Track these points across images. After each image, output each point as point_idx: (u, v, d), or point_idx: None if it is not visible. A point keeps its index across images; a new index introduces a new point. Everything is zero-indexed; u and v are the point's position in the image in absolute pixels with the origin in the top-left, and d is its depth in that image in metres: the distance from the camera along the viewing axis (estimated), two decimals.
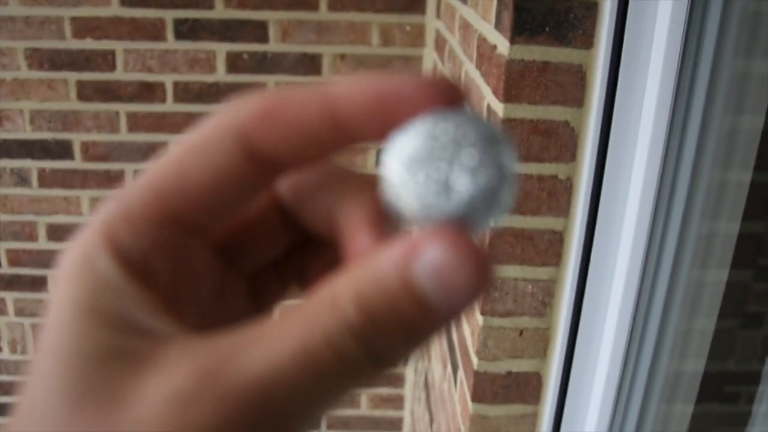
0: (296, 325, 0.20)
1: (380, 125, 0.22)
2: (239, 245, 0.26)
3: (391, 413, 2.55)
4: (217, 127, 0.23)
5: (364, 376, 0.20)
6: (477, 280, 0.19)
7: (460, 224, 0.21)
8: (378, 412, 2.55)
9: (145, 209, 0.22)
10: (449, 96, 0.22)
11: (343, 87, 0.22)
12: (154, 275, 0.22)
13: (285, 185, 0.26)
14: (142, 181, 0.23)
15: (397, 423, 2.57)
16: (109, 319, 0.21)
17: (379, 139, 0.22)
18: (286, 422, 0.20)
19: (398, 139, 0.22)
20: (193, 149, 0.23)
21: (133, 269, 0.22)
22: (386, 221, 0.24)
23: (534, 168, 1.02)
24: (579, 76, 0.98)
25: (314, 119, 0.22)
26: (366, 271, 0.20)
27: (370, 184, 0.25)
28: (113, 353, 0.20)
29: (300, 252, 0.28)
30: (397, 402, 2.54)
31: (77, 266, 0.22)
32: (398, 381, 2.50)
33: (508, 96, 0.98)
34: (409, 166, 0.21)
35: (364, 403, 2.54)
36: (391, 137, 0.22)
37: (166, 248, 0.22)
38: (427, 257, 0.19)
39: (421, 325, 0.20)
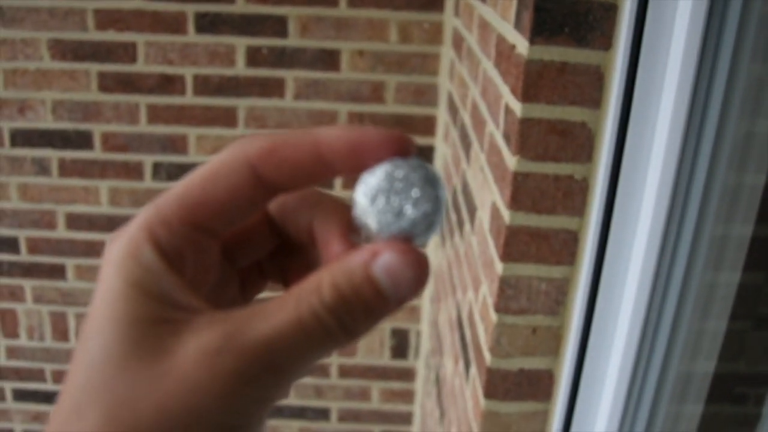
0: (292, 302, 0.28)
1: (354, 164, 0.31)
2: (238, 247, 0.34)
3: (401, 407, 2.57)
4: (233, 156, 0.31)
5: (338, 342, 0.29)
6: (417, 278, 0.28)
7: (406, 239, 0.30)
8: (388, 406, 2.57)
9: (177, 215, 0.30)
10: (404, 147, 0.31)
11: (328, 134, 0.31)
12: (183, 265, 0.30)
13: (275, 203, 0.35)
14: (174, 194, 0.30)
15: (407, 417, 2.58)
16: (153, 294, 0.28)
17: (352, 173, 0.31)
18: (284, 372, 0.28)
19: (366, 177, 0.31)
20: (214, 172, 0.31)
21: (169, 259, 0.29)
22: (352, 234, 0.32)
23: (550, 168, 1.03)
24: (597, 77, 0.98)
25: (305, 157, 0.31)
26: (341, 267, 0.29)
27: (341, 205, 0.33)
28: (157, 320, 0.27)
29: (280, 255, 0.37)
30: (408, 396, 2.55)
31: (126, 253, 0.29)
32: (409, 376, 2.51)
33: (527, 96, 0.99)
34: (373, 197, 0.30)
35: (375, 397, 2.55)
36: (361, 175, 0.31)
37: (191, 246, 0.30)
38: (383, 260, 0.28)
39: (378, 307, 0.29)
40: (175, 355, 0.27)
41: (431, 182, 0.30)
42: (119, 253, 0.29)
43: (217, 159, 0.31)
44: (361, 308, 0.28)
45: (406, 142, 0.31)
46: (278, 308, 0.28)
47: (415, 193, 0.30)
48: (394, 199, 0.30)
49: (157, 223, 0.29)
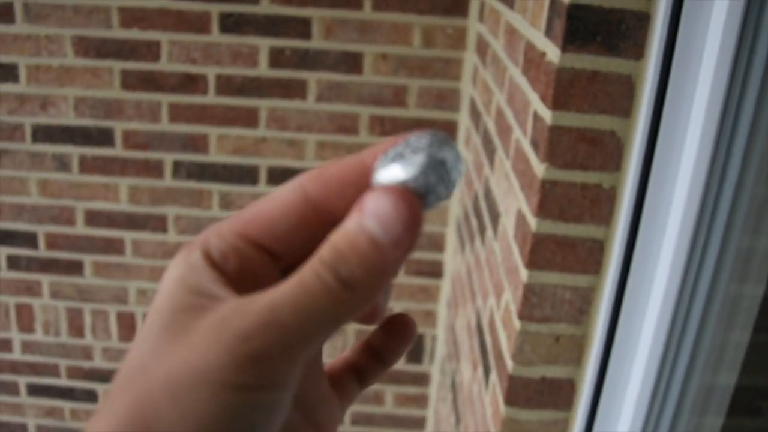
0: (296, 274, 0.29)
1: None
2: (282, 255, 0.34)
3: (414, 412, 2.56)
4: (290, 182, 0.34)
5: (340, 299, 0.29)
6: (404, 215, 0.29)
7: (412, 190, 0.30)
8: (402, 411, 2.56)
9: (229, 227, 0.33)
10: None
11: (371, 149, 0.33)
12: (226, 266, 0.32)
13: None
14: (238, 212, 0.34)
15: (420, 422, 2.58)
16: (190, 287, 0.31)
17: None
18: (288, 329, 0.28)
19: (389, 150, 0.32)
20: (272, 194, 0.34)
21: (212, 260, 0.32)
22: None
23: (578, 176, 1.02)
24: (628, 87, 0.98)
25: (350, 172, 0.33)
26: (339, 229, 0.30)
27: None
28: (189, 307, 0.31)
29: None
30: (422, 401, 2.55)
31: (181, 256, 0.33)
32: (423, 380, 2.51)
33: (557, 104, 0.99)
34: (388, 157, 0.31)
35: (389, 401, 2.55)
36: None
37: (236, 251, 0.33)
38: (369, 205, 0.29)
39: (373, 255, 0.29)
40: (191, 330, 0.29)
41: (433, 138, 0.31)
42: (178, 256, 0.33)
43: (281, 188, 0.34)
44: (357, 260, 0.29)
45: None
46: (285, 281, 0.30)
47: (415, 145, 0.31)
48: (402, 154, 0.31)
49: (213, 233, 0.33)
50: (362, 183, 0.32)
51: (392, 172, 0.30)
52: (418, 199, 0.30)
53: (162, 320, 0.30)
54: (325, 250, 0.29)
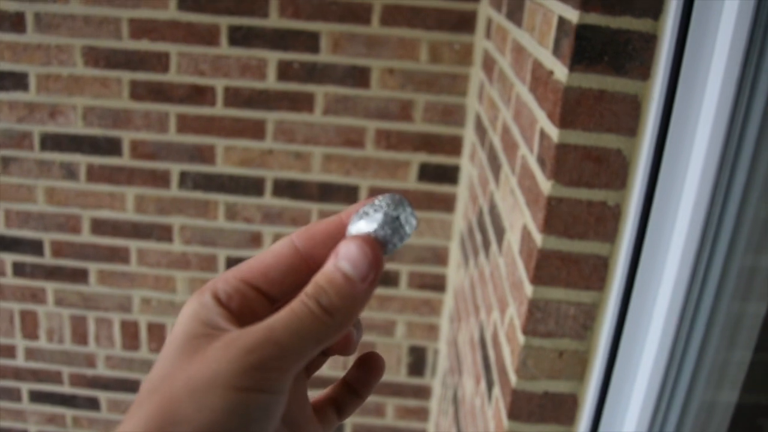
0: (288, 305, 0.38)
1: None
2: (276, 296, 0.43)
3: (415, 425, 2.57)
4: (283, 239, 0.43)
5: (324, 322, 0.38)
6: (368, 259, 0.39)
7: (374, 239, 0.40)
8: (402, 423, 2.57)
9: (233, 274, 0.41)
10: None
11: (350, 208, 0.43)
12: (231, 304, 0.40)
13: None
14: (240, 264, 0.42)
15: None
16: (203, 321, 0.39)
17: None
18: (281, 345, 0.36)
19: (359, 210, 0.42)
20: (268, 248, 0.43)
21: (219, 300, 0.40)
22: None
23: (584, 193, 1.04)
24: (634, 106, 0.99)
25: (332, 227, 0.43)
26: (319, 272, 0.40)
27: None
28: (201, 335, 0.38)
29: None
30: (422, 414, 2.55)
31: (194, 297, 0.40)
32: (425, 393, 2.51)
33: (564, 122, 1.00)
34: (357, 218, 0.41)
35: (390, 413, 2.55)
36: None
37: (238, 293, 0.41)
38: (342, 250, 0.39)
39: (347, 287, 0.39)
40: (204, 351, 0.37)
41: (392, 199, 0.41)
42: (192, 297, 0.41)
43: (274, 244, 0.43)
44: (334, 291, 0.38)
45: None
46: (279, 311, 0.38)
47: (378, 205, 0.41)
48: (367, 212, 0.41)
49: (220, 280, 0.41)
50: (341, 236, 0.42)
51: (359, 227, 0.41)
52: (379, 246, 0.40)
53: (179, 344, 0.38)
54: (309, 286, 0.39)
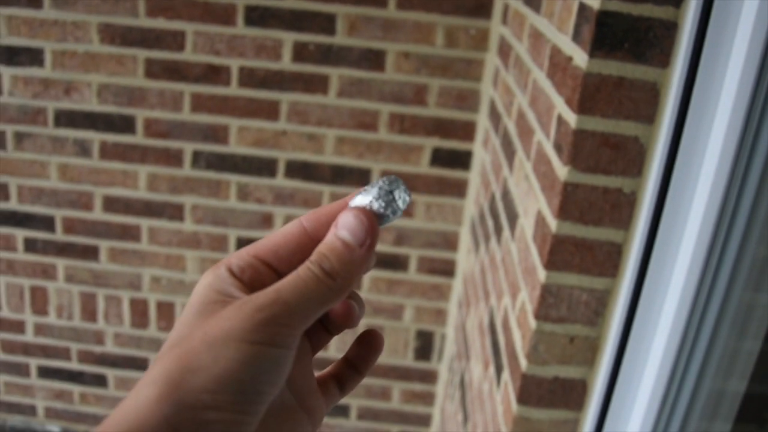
0: (294, 271, 0.43)
1: None
2: (284, 272, 0.46)
3: (420, 409, 2.58)
4: (294, 220, 0.47)
5: (327, 285, 0.42)
6: (365, 225, 0.44)
7: (369, 210, 0.45)
8: (408, 407, 2.58)
9: (247, 251, 0.45)
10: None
11: (351, 196, 0.46)
12: (243, 276, 0.44)
13: None
14: (253, 243, 0.46)
15: (426, 419, 2.59)
16: (217, 290, 0.43)
17: None
18: (288, 306, 0.40)
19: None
20: (280, 229, 0.47)
21: (234, 274, 0.44)
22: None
23: (600, 180, 1.04)
24: (653, 94, 0.99)
25: (338, 209, 0.46)
26: (322, 241, 0.45)
27: None
28: (216, 301, 0.42)
29: None
30: (428, 398, 2.56)
31: (208, 274, 0.44)
32: (431, 378, 2.52)
33: (582, 108, 1.01)
34: (357, 194, 0.46)
35: (396, 397, 2.57)
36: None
37: (249, 267, 0.44)
38: (341, 220, 0.44)
39: (347, 253, 0.43)
40: (219, 312, 0.41)
41: (388, 179, 0.46)
42: (208, 271, 0.45)
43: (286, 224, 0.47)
44: (335, 257, 0.43)
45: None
46: (290, 274, 0.43)
47: (375, 183, 0.46)
48: (366, 189, 0.46)
49: (234, 255, 0.45)
50: None
51: (356, 201, 0.46)
52: (374, 215, 0.45)
53: (196, 310, 0.42)
54: (313, 255, 0.43)
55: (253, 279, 0.44)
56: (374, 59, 2.13)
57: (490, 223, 1.76)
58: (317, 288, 0.42)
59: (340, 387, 0.51)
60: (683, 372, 1.02)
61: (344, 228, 0.44)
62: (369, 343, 0.51)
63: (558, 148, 1.10)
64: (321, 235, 0.46)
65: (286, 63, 2.15)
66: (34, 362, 2.64)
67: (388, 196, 0.45)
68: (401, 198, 0.46)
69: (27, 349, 2.62)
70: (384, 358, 2.51)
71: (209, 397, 0.37)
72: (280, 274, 0.45)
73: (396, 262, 2.37)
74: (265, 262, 0.45)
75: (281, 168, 2.27)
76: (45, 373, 2.65)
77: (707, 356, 0.99)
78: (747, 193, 0.90)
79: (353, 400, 2.59)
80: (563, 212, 1.06)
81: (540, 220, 1.16)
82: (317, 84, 2.17)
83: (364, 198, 0.45)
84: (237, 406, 0.38)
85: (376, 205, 0.45)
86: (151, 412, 0.36)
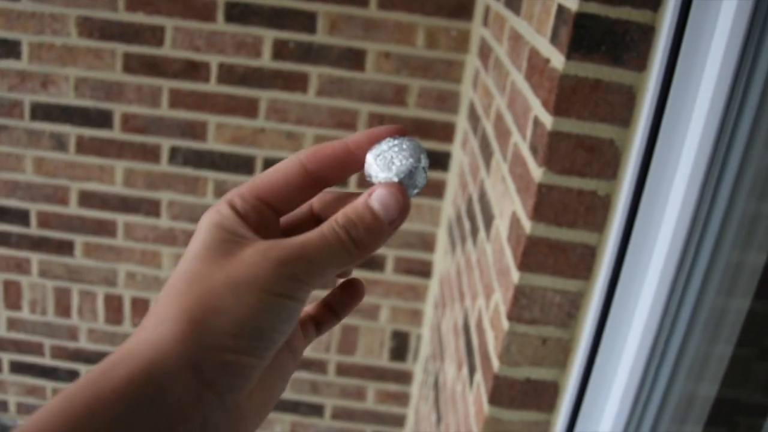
0: (319, 228, 0.43)
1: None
2: (283, 210, 0.47)
3: (395, 410, 2.58)
4: (291, 158, 0.46)
5: (350, 250, 0.43)
6: (399, 204, 0.44)
7: (397, 183, 0.44)
8: (383, 407, 2.58)
9: (247, 191, 0.45)
10: (402, 131, 0.47)
11: (354, 134, 0.47)
12: (248, 218, 0.44)
13: (318, 202, 0.50)
14: (251, 180, 0.46)
15: (400, 420, 2.59)
16: (227, 229, 0.43)
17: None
18: (311, 263, 0.42)
19: (373, 148, 0.46)
20: (277, 167, 0.46)
21: (239, 213, 0.44)
22: None
23: (575, 182, 1.04)
24: (629, 97, 1.00)
25: (337, 150, 0.46)
26: (350, 205, 0.44)
27: (353, 196, 0.47)
28: (228, 240, 0.42)
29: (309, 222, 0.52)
30: (403, 399, 2.56)
31: (213, 210, 0.44)
32: (406, 378, 2.52)
33: (558, 110, 1.01)
34: (376, 155, 0.46)
35: (370, 397, 2.56)
36: (373, 146, 0.46)
37: (254, 209, 0.45)
38: (376, 193, 0.44)
39: (375, 225, 0.43)
40: (240, 254, 0.41)
41: (416, 147, 0.46)
42: (209, 212, 0.44)
43: (281, 161, 0.46)
44: (362, 226, 0.43)
45: (404, 130, 0.48)
46: (309, 231, 0.43)
47: (405, 152, 0.45)
48: (391, 156, 0.45)
49: (235, 195, 0.45)
50: (346, 160, 0.47)
51: (388, 174, 0.45)
52: (405, 195, 0.44)
53: (210, 246, 0.42)
54: (340, 216, 0.43)
55: (257, 221, 0.45)
56: (354, 58, 2.13)
57: (466, 224, 1.76)
58: (340, 252, 0.43)
59: (317, 328, 0.52)
60: (655, 375, 1.02)
61: (378, 201, 0.44)
62: (352, 290, 0.52)
63: (534, 149, 1.10)
64: (322, 176, 0.46)
65: (266, 60, 2.15)
66: (6, 357, 2.61)
67: (416, 174, 0.45)
68: (425, 173, 0.46)
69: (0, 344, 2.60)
70: (359, 358, 2.51)
71: (230, 341, 0.39)
72: (278, 211, 0.46)
73: (372, 262, 2.37)
74: (267, 204, 0.45)
75: (259, 166, 2.27)
76: (18, 368, 2.62)
77: (679, 359, 1.00)
78: (721, 197, 0.91)
79: (328, 400, 2.59)
80: (537, 214, 1.06)
81: (515, 222, 1.17)
82: (297, 82, 2.16)
83: (396, 175, 0.45)
84: (254, 350, 0.40)
85: (406, 183, 0.45)
86: (173, 350, 0.38)
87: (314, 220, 0.50)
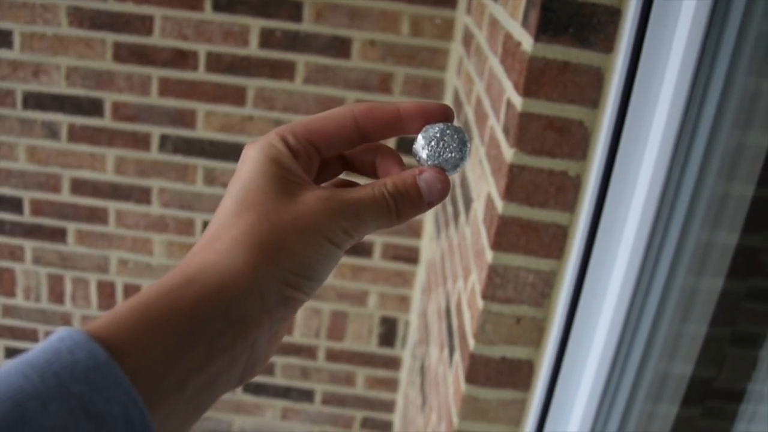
0: (370, 187, 0.47)
1: (418, 123, 0.49)
2: (326, 154, 0.50)
3: (384, 395, 2.60)
4: (345, 109, 0.48)
5: (391, 216, 0.47)
6: (442, 189, 0.48)
7: (441, 167, 0.49)
8: (372, 393, 2.60)
9: (300, 132, 0.47)
10: (450, 114, 0.50)
11: (407, 102, 0.49)
12: (299, 159, 0.47)
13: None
14: (302, 120, 0.48)
15: (390, 405, 2.61)
16: (283, 166, 0.45)
17: (415, 132, 0.50)
18: (360, 220, 0.45)
19: (428, 127, 0.49)
20: (331, 114, 0.48)
21: (292, 151, 0.46)
22: (403, 165, 0.51)
23: (545, 163, 1.06)
24: (596, 78, 1.02)
25: (390, 115, 0.49)
26: (400, 175, 0.48)
27: (394, 151, 0.51)
28: (287, 179, 0.45)
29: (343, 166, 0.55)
30: (392, 385, 2.58)
31: (266, 143, 0.46)
32: (395, 364, 2.54)
33: (528, 91, 1.03)
34: (429, 139, 0.49)
35: (360, 383, 2.59)
36: (426, 126, 0.49)
37: (304, 151, 0.47)
38: (425, 175, 0.48)
39: (417, 201, 0.48)
40: (302, 196, 0.45)
41: (464, 143, 0.49)
42: (261, 144, 0.46)
43: (335, 108, 0.49)
44: (407, 199, 0.47)
45: (451, 112, 0.51)
46: (363, 188, 0.47)
47: (453, 146, 0.49)
48: (441, 145, 0.49)
49: (288, 133, 0.47)
50: (394, 125, 0.49)
51: (435, 162, 0.49)
52: (449, 183, 0.49)
53: (270, 180, 0.45)
54: (390, 184, 0.47)
55: (305, 162, 0.47)
56: (340, 47, 2.15)
57: (449, 209, 1.78)
58: (384, 217, 0.47)
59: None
60: (627, 352, 1.03)
61: (425, 182, 0.48)
62: (380, 153, 0.53)
63: (506, 131, 1.12)
64: (369, 134, 0.49)
65: (253, 49, 2.16)
66: (1, 343, 2.64)
67: (460, 163, 0.49)
68: (463, 168, 0.51)
69: None
70: (348, 344, 2.53)
71: (294, 278, 0.43)
72: (321, 154, 0.49)
73: (360, 249, 2.39)
74: (315, 147, 0.48)
75: None
76: (12, 354, 2.64)
77: (651, 338, 1.01)
78: (689, 176, 0.92)
79: (318, 385, 2.61)
80: (509, 194, 1.08)
81: (489, 203, 1.19)
82: (284, 70, 2.18)
83: (444, 164, 0.49)
84: (308, 288, 0.45)
85: (451, 173, 0.49)
86: (246, 277, 0.41)
87: (342, 162, 0.53)
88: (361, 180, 0.51)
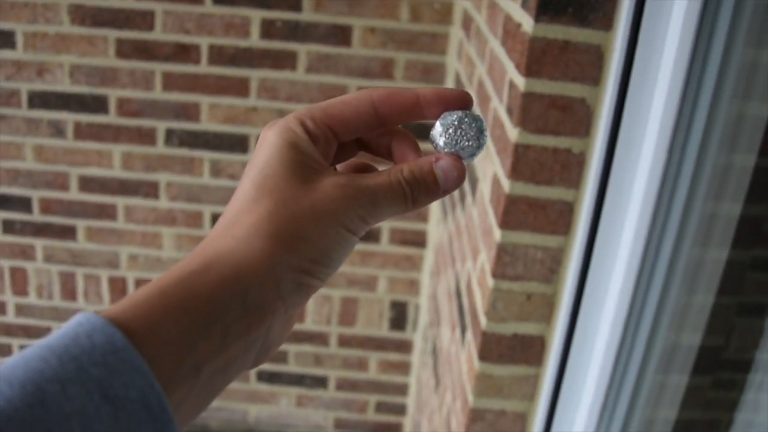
0: (386, 174, 0.47)
1: (436, 109, 0.49)
2: (343, 139, 0.49)
3: (397, 378, 2.62)
4: (364, 94, 0.48)
5: (407, 203, 0.47)
6: (458, 177, 0.48)
7: (457, 156, 0.48)
8: (385, 377, 2.62)
9: (319, 116, 0.47)
10: (469, 102, 0.49)
11: (425, 89, 0.49)
12: (317, 143, 0.46)
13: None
14: (320, 105, 0.48)
15: (403, 389, 2.64)
16: (301, 150, 0.45)
17: (434, 118, 0.49)
18: (376, 207, 0.46)
19: (446, 114, 0.49)
20: (349, 99, 0.48)
21: (311, 136, 0.46)
22: (418, 150, 0.51)
23: (550, 141, 1.08)
24: (597, 56, 1.03)
25: (409, 101, 0.48)
26: (416, 162, 0.48)
27: (410, 135, 0.51)
28: (305, 164, 0.45)
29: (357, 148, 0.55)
30: (404, 368, 2.61)
31: (284, 127, 0.46)
32: (406, 348, 2.57)
33: (530, 71, 1.04)
34: (446, 127, 0.48)
35: (373, 368, 2.61)
36: (444, 113, 0.49)
37: (323, 135, 0.47)
38: (441, 162, 0.48)
39: (432, 188, 0.48)
40: (319, 183, 0.45)
41: (481, 131, 0.49)
42: (279, 127, 0.46)
43: (354, 93, 0.48)
44: (423, 187, 0.47)
45: (470, 99, 0.50)
46: (379, 175, 0.47)
47: (470, 134, 0.48)
48: (458, 133, 0.48)
49: (306, 117, 0.47)
50: (413, 111, 0.49)
51: (452, 150, 0.48)
52: (465, 171, 0.49)
53: (288, 166, 0.45)
54: (407, 171, 0.47)
55: (323, 147, 0.47)
56: (341, 35, 2.16)
57: (456, 192, 1.79)
58: (400, 203, 0.47)
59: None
60: (636, 325, 1.05)
61: (442, 170, 0.48)
62: (401, 140, 0.52)
63: (509, 111, 1.13)
64: (387, 119, 0.48)
65: (255, 40, 2.18)
66: (16, 342, 2.66)
67: (477, 152, 0.49)
68: (479, 156, 0.52)
69: (9, 330, 2.64)
70: (360, 329, 2.56)
71: (310, 266, 0.44)
72: (338, 139, 0.48)
73: (369, 234, 2.41)
74: (335, 133, 0.47)
75: (253, 144, 2.30)
76: None
77: (659, 309, 1.03)
78: (691, 148, 0.94)
79: (331, 371, 2.64)
80: (515, 173, 1.10)
81: (495, 182, 1.20)
82: (286, 60, 2.20)
83: (461, 152, 0.49)
84: (322, 275, 0.45)
85: (468, 162, 0.50)
86: (263, 264, 0.42)
87: (358, 143, 0.52)
88: (375, 162, 0.51)
